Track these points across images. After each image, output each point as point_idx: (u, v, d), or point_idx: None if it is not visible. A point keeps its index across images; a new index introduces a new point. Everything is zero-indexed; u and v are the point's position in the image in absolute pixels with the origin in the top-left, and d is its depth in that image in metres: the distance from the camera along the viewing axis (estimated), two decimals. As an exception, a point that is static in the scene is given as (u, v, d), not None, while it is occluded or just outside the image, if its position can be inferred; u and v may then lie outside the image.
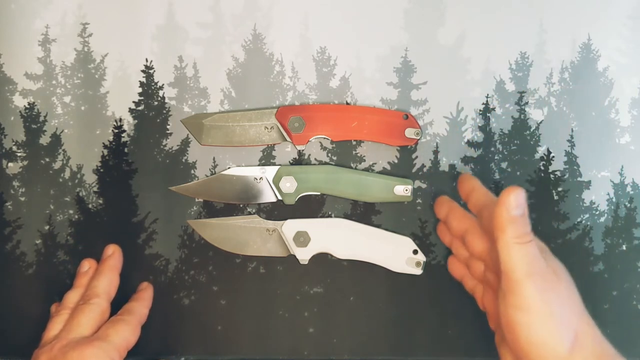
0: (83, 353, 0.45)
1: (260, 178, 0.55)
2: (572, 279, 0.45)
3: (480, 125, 0.56)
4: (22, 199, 0.56)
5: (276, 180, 0.55)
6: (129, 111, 0.56)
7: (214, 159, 0.56)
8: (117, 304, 0.51)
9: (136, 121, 0.56)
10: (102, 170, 0.56)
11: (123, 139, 0.56)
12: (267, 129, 0.55)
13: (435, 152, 0.56)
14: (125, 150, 0.56)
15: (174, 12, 0.56)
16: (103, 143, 0.56)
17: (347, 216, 0.56)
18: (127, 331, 0.49)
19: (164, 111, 0.56)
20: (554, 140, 0.56)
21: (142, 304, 0.52)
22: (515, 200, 0.42)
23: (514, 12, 0.56)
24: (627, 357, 0.43)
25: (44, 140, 0.56)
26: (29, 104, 0.56)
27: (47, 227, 0.56)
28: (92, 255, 0.54)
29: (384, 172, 0.56)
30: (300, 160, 0.56)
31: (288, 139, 0.54)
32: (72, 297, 0.51)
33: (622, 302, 0.55)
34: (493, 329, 0.48)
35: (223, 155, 0.56)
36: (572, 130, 0.56)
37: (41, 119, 0.56)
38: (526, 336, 0.41)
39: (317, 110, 0.55)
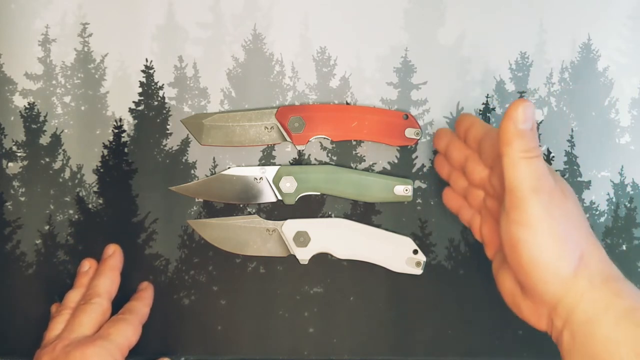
0: (85, 352, 0.45)
1: (260, 178, 0.55)
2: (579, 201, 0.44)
3: (480, 125, 0.56)
4: (22, 199, 0.56)
5: (276, 180, 0.55)
6: (129, 111, 0.56)
7: (214, 159, 0.56)
8: (118, 304, 0.51)
9: (136, 121, 0.56)
10: (102, 170, 0.56)
11: (123, 139, 0.56)
12: (267, 129, 0.55)
13: (435, 152, 0.56)
14: (125, 150, 0.56)
15: (174, 12, 0.56)
16: (103, 143, 0.56)
17: (347, 216, 0.56)
18: (129, 330, 0.49)
19: (164, 111, 0.56)
20: (554, 140, 0.56)
21: (143, 303, 0.53)
22: (523, 113, 0.40)
23: (514, 12, 0.56)
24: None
25: (44, 140, 0.56)
26: (29, 104, 0.56)
27: (47, 227, 0.56)
28: (92, 255, 0.54)
29: (384, 172, 0.56)
30: (300, 160, 0.56)
31: (288, 139, 0.54)
32: (73, 296, 0.51)
33: (622, 302, 0.55)
34: (490, 258, 0.47)
35: (223, 155, 0.56)
36: (572, 130, 0.56)
37: (41, 119, 0.56)
38: (529, 254, 0.40)
39: (317, 110, 0.55)
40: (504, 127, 0.40)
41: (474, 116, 0.50)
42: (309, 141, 0.55)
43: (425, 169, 0.56)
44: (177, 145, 0.56)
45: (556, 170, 0.56)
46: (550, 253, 0.39)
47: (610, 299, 0.39)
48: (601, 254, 0.41)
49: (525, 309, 0.43)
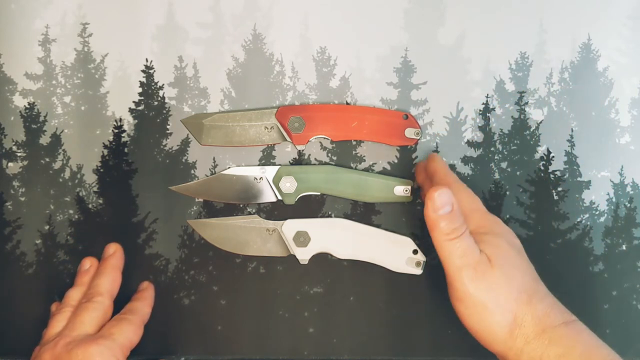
0: (88, 351, 0.45)
1: (260, 178, 0.55)
2: (517, 251, 0.46)
3: (480, 125, 0.56)
4: (22, 199, 0.56)
5: (276, 180, 0.55)
6: (129, 111, 0.56)
7: (214, 159, 0.56)
8: (118, 303, 0.51)
9: (136, 121, 0.56)
10: (102, 170, 0.56)
11: (123, 139, 0.56)
12: (267, 129, 0.55)
13: (435, 152, 0.56)
14: (125, 150, 0.56)
15: (174, 12, 0.56)
16: (103, 143, 0.56)
17: (347, 216, 0.56)
18: (131, 331, 0.49)
19: (164, 111, 0.56)
20: (554, 140, 0.56)
21: (144, 303, 0.53)
22: (439, 200, 0.43)
23: (514, 12, 0.56)
24: (626, 357, 0.43)
25: (44, 140, 0.56)
26: (29, 104, 0.56)
27: (47, 227, 0.56)
28: (92, 255, 0.54)
29: (384, 172, 0.56)
30: (300, 160, 0.56)
31: (288, 139, 0.54)
32: (73, 294, 0.51)
33: (622, 302, 0.55)
34: None
35: (223, 155, 0.56)
36: (572, 130, 0.56)
37: (41, 119, 0.56)
38: (467, 324, 0.45)
39: (317, 110, 0.55)
40: (426, 215, 0.44)
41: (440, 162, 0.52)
42: (309, 141, 0.55)
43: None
44: (177, 145, 0.56)
45: (556, 171, 0.56)
46: (482, 322, 0.44)
47: (544, 349, 0.42)
48: (535, 309, 0.44)
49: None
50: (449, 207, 0.44)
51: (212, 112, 0.56)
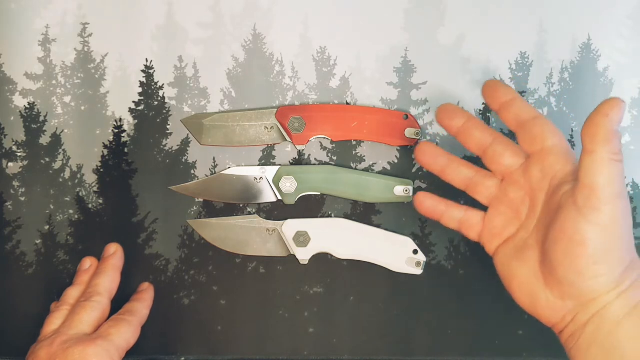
0: (85, 351, 0.45)
1: (260, 178, 0.55)
2: None
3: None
4: (22, 199, 0.56)
5: (276, 180, 0.55)
6: (129, 111, 0.56)
7: (214, 159, 0.56)
8: (117, 303, 0.51)
9: (136, 121, 0.56)
10: (102, 170, 0.56)
11: (123, 139, 0.56)
12: (267, 129, 0.55)
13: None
14: (125, 150, 0.56)
15: (174, 12, 0.56)
16: (103, 143, 0.56)
17: (347, 216, 0.56)
18: (128, 332, 0.49)
19: (164, 111, 0.56)
20: (554, 140, 0.56)
21: (143, 304, 0.52)
22: (618, 113, 0.39)
23: (514, 12, 0.56)
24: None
25: (44, 140, 0.56)
26: (29, 104, 0.56)
27: (47, 227, 0.56)
28: (92, 255, 0.54)
29: (384, 172, 0.56)
30: (300, 160, 0.56)
31: (288, 139, 0.54)
32: (72, 293, 0.51)
33: (622, 302, 0.55)
34: (492, 251, 0.46)
35: (223, 155, 0.56)
36: (572, 130, 0.56)
37: (41, 119, 0.56)
38: (594, 253, 0.39)
39: (317, 110, 0.55)
40: (598, 124, 0.39)
41: (510, 88, 0.46)
42: (309, 141, 0.55)
43: (425, 169, 0.56)
44: (177, 145, 0.56)
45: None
46: (613, 255, 0.40)
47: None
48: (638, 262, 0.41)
49: (543, 300, 0.42)
50: (621, 124, 0.40)
51: (212, 112, 0.56)
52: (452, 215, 0.48)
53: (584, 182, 0.39)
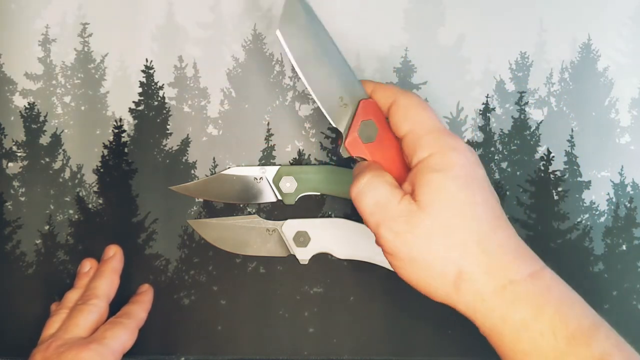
0: (78, 355, 0.45)
1: (260, 178, 0.55)
2: (469, 191, 0.38)
3: (480, 125, 0.56)
4: (22, 199, 0.56)
5: (276, 180, 0.55)
6: (129, 111, 0.56)
7: (214, 159, 0.56)
8: (116, 304, 0.51)
9: (136, 121, 0.56)
10: (102, 170, 0.56)
11: (123, 139, 0.56)
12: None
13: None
14: (125, 150, 0.56)
15: (174, 12, 0.56)
16: (103, 143, 0.56)
17: (347, 216, 0.56)
18: (124, 335, 0.48)
19: (164, 111, 0.56)
20: (554, 140, 0.56)
21: (141, 307, 0.52)
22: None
23: (514, 12, 0.56)
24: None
25: (44, 140, 0.56)
26: (29, 104, 0.56)
27: (47, 227, 0.56)
28: (92, 255, 0.54)
29: (384, 172, 0.56)
30: (300, 160, 0.56)
31: (279, 196, 0.54)
32: (72, 296, 0.51)
33: (622, 302, 0.55)
34: None
35: (223, 155, 0.56)
36: (572, 130, 0.56)
37: (41, 119, 0.56)
38: (403, 277, 0.40)
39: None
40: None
41: (369, 83, 0.44)
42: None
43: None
44: (177, 145, 0.56)
45: (556, 171, 0.56)
46: (418, 276, 0.39)
47: (506, 310, 0.36)
48: (494, 258, 0.37)
49: None
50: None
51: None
52: None
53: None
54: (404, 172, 0.42)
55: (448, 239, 0.37)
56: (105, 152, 0.56)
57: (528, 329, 0.36)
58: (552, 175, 0.56)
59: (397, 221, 0.38)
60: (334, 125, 0.43)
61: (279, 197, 0.55)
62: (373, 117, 0.43)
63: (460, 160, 0.39)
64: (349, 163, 0.56)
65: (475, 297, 0.37)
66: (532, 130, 0.56)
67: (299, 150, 0.56)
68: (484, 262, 0.37)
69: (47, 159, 0.56)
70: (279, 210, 0.56)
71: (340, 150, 0.43)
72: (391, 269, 0.54)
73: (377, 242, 0.40)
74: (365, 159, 0.43)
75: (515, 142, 0.56)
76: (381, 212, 0.39)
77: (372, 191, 0.40)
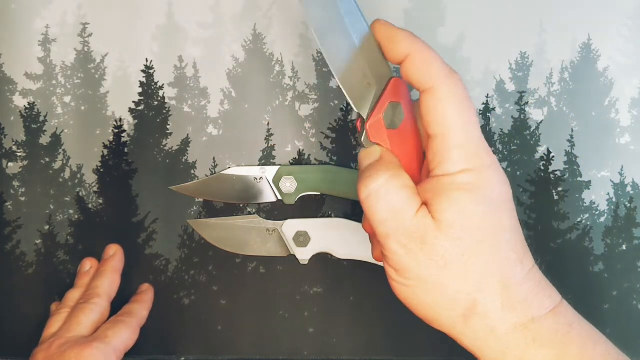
0: (81, 354, 0.45)
1: (260, 178, 0.55)
2: (495, 219, 0.33)
3: (480, 125, 0.56)
4: (22, 199, 0.56)
5: (276, 180, 0.55)
6: (129, 111, 0.56)
7: (214, 159, 0.56)
8: (116, 304, 0.51)
9: (136, 121, 0.56)
10: (102, 170, 0.56)
11: (123, 139, 0.56)
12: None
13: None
14: (125, 150, 0.56)
15: (174, 12, 0.56)
16: (103, 143, 0.56)
17: (347, 216, 0.56)
18: (126, 334, 0.48)
19: (164, 111, 0.56)
20: (554, 140, 0.56)
21: (142, 306, 0.52)
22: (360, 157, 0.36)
23: (514, 12, 0.56)
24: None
25: (44, 140, 0.56)
26: (29, 104, 0.56)
27: (47, 227, 0.56)
28: (92, 255, 0.54)
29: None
30: (300, 161, 0.56)
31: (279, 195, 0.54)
32: (73, 295, 0.51)
33: (622, 302, 0.55)
34: None
35: (223, 155, 0.56)
36: (572, 130, 0.56)
37: (41, 119, 0.56)
38: (405, 299, 0.35)
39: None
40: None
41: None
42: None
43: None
44: (177, 145, 0.56)
45: (556, 171, 0.56)
46: (422, 303, 0.35)
47: (526, 350, 0.33)
48: (514, 293, 0.33)
49: None
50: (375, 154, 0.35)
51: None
52: None
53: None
54: (419, 171, 0.38)
55: (466, 266, 0.33)
56: (105, 152, 0.56)
57: None
58: (552, 175, 0.56)
59: (411, 237, 0.33)
60: (355, 110, 0.37)
61: (279, 197, 0.55)
62: (402, 100, 0.37)
63: (494, 181, 0.34)
64: (349, 163, 0.56)
65: (487, 334, 0.33)
66: (532, 130, 0.56)
67: (299, 150, 0.56)
68: (505, 297, 0.33)
69: (47, 159, 0.56)
70: (279, 210, 0.56)
71: (362, 140, 0.37)
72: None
73: (383, 253, 0.35)
74: (378, 145, 0.37)
75: (515, 142, 0.56)
76: (394, 222, 0.34)
77: (387, 196, 0.34)
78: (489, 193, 0.33)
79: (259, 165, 0.56)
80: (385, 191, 0.34)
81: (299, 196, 0.55)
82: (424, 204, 0.34)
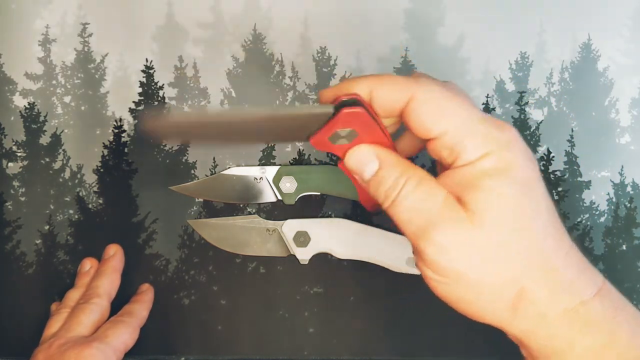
0: (81, 354, 0.45)
1: (260, 178, 0.55)
2: (529, 199, 0.32)
3: (480, 125, 0.56)
4: (22, 199, 0.56)
5: (276, 180, 0.55)
6: (129, 111, 0.56)
7: (214, 159, 0.56)
8: (116, 303, 0.51)
9: (136, 121, 0.56)
10: (102, 170, 0.56)
11: (123, 139, 0.56)
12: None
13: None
14: (125, 150, 0.56)
15: (174, 12, 0.56)
16: (103, 143, 0.56)
17: (347, 216, 0.56)
18: (126, 333, 0.48)
19: (164, 111, 0.56)
20: (554, 140, 0.56)
21: (142, 306, 0.52)
22: (353, 161, 0.35)
23: (513, 12, 0.56)
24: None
25: (44, 140, 0.56)
26: (29, 104, 0.56)
27: (47, 227, 0.56)
28: (92, 255, 0.54)
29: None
30: (300, 160, 0.56)
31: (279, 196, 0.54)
32: (73, 295, 0.51)
33: (622, 302, 0.55)
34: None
35: (223, 155, 0.56)
36: (572, 130, 0.56)
37: (41, 119, 0.56)
38: (446, 297, 0.33)
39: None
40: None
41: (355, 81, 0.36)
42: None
43: (425, 169, 0.56)
44: (177, 145, 0.56)
45: (556, 171, 0.56)
46: (466, 300, 0.33)
47: (574, 336, 0.31)
48: (559, 274, 0.32)
49: None
50: (372, 164, 0.34)
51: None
52: None
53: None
54: (390, 141, 0.37)
55: (507, 255, 0.32)
56: (105, 152, 0.56)
57: (598, 356, 0.31)
58: (552, 175, 0.56)
59: (443, 232, 0.32)
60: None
61: (279, 197, 0.55)
62: (356, 127, 0.35)
63: (519, 159, 0.32)
64: (349, 163, 0.56)
65: (538, 321, 0.32)
66: (532, 130, 0.56)
67: (299, 150, 0.56)
68: (550, 280, 0.32)
69: (47, 159, 0.56)
70: (279, 210, 0.56)
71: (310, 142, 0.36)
72: (391, 269, 0.54)
73: (415, 253, 0.34)
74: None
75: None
76: (421, 218, 0.33)
77: (412, 195, 0.33)
78: (516, 174, 0.32)
79: (258, 165, 0.56)
80: (414, 192, 0.33)
81: (299, 196, 0.55)
82: (451, 195, 0.33)
